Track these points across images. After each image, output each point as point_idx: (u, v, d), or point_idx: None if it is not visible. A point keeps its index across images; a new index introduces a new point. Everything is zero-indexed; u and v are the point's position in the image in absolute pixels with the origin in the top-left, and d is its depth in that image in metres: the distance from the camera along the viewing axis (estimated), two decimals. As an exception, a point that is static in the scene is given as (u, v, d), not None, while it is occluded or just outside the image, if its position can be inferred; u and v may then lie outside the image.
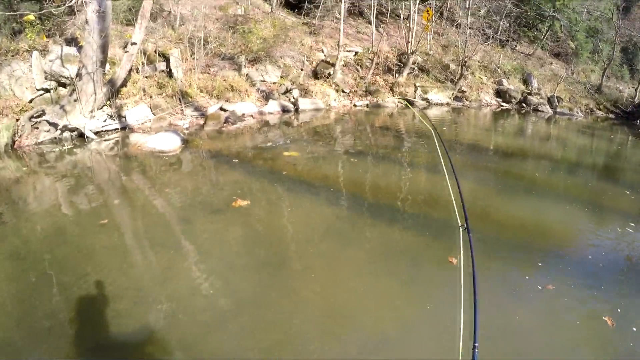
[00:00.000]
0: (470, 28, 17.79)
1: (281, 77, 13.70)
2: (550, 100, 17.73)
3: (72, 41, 10.84)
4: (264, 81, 13.30)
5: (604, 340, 3.64)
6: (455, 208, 4.53)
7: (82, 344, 3.30)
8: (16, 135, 8.50)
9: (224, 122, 11.10)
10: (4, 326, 3.50)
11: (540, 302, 4.03)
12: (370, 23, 16.33)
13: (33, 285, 4.03)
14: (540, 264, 4.67)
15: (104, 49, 9.65)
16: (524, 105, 17.43)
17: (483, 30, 18.63)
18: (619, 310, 3.98)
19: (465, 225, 3.56)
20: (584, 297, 4.15)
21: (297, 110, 13.06)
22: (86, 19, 9.45)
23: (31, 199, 6.49)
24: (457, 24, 18.88)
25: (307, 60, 14.40)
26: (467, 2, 18.17)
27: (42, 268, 4.37)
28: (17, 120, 8.69)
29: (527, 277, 4.39)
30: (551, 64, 21.16)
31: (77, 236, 5.12)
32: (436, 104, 16.06)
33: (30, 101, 9.39)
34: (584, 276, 4.52)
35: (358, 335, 3.46)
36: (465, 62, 16.56)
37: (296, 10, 17.13)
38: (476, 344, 2.17)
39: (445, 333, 3.38)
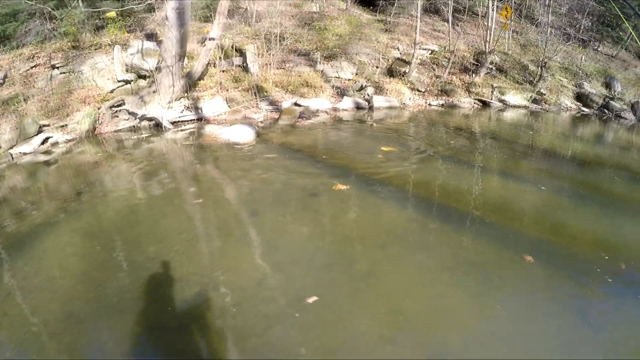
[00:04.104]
0: (551, 27, 15.82)
1: (356, 74, 12.56)
2: (633, 107, 15.25)
3: (151, 36, 10.45)
4: (338, 78, 12.28)
5: None
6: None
7: (145, 322, 3.24)
8: (97, 122, 8.44)
9: (298, 117, 10.22)
10: (72, 298, 3.49)
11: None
12: (446, 21, 14.84)
13: (104, 263, 4.00)
14: (609, 280, 3.98)
15: (182, 43, 9.30)
16: (606, 110, 15.03)
17: (564, 29, 16.49)
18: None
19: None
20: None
21: (371, 108, 11.93)
22: (166, 16, 9.16)
23: (108, 182, 6.40)
24: (537, 23, 16.92)
25: (382, 58, 13.14)
26: (548, -1, 16.21)
27: (114, 247, 4.34)
28: (99, 108, 8.60)
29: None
30: (636, 66, 18.53)
31: (150, 219, 5.03)
32: (513, 106, 14.25)
33: (111, 91, 9.14)
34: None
35: (417, 344, 3.13)
36: (545, 63, 14.65)
37: (371, 8, 15.93)
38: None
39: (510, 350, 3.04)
